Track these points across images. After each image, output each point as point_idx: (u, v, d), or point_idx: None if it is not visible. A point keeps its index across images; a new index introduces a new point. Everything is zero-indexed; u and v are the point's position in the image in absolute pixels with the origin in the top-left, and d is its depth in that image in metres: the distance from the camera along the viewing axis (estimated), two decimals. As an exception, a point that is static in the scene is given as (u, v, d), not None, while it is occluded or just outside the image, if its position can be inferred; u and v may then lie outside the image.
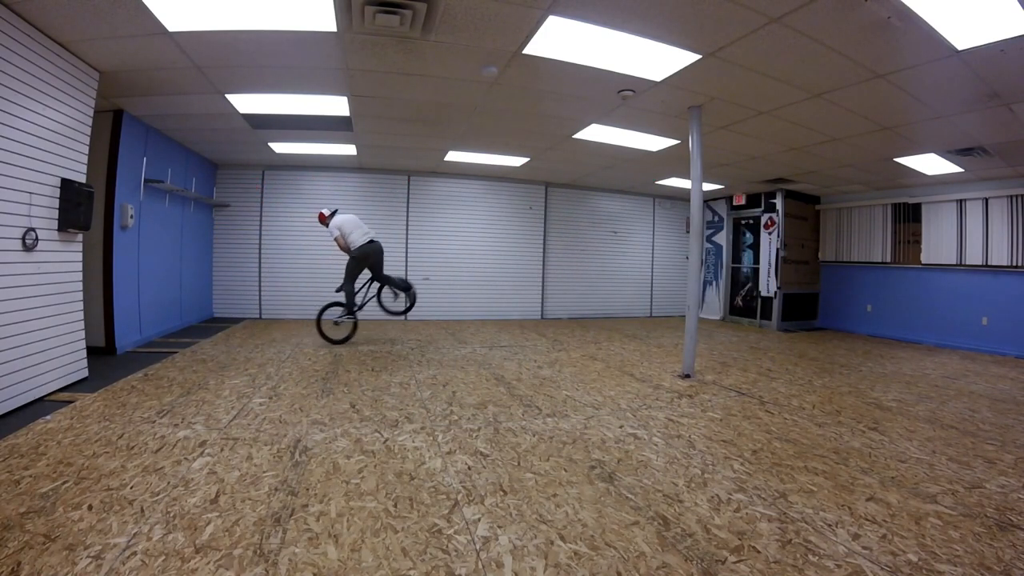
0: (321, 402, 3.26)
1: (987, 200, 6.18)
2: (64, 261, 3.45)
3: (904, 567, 1.60)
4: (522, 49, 3.28)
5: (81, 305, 3.65)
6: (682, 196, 8.99)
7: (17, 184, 2.96)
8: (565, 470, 2.32)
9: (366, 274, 5.48)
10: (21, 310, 3.02)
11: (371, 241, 5.31)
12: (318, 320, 5.33)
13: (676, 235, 9.57)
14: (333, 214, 5.44)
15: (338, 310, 5.41)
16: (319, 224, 5.56)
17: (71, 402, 3.09)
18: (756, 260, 8.45)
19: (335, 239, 5.28)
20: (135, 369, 3.99)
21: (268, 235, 7.41)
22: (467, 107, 4.55)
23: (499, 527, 1.79)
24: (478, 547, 1.66)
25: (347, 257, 5.36)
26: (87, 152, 3.63)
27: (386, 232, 7.78)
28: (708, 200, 9.32)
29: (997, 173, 5.81)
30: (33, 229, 3.10)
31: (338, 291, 5.40)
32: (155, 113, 4.76)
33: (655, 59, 3.37)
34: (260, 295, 7.42)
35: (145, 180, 5.04)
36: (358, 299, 5.46)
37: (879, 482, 2.26)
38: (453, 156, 6.68)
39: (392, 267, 8.02)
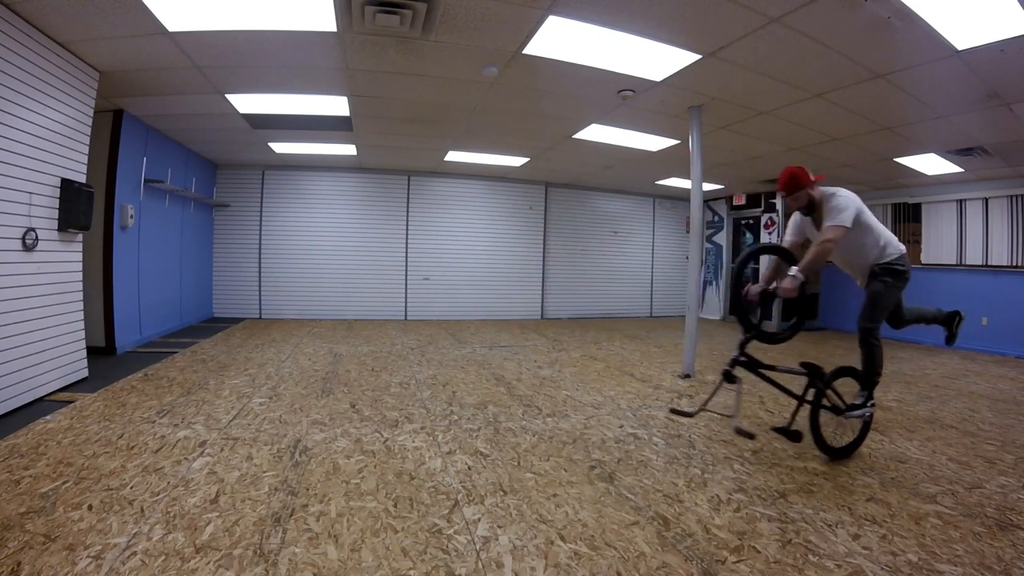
0: (321, 402, 3.26)
1: (987, 200, 6.18)
2: (64, 261, 3.45)
3: (904, 567, 1.60)
4: (522, 49, 3.28)
5: (81, 305, 3.65)
6: (682, 196, 8.99)
7: (17, 184, 2.96)
8: (565, 470, 2.32)
9: None
10: (21, 310, 3.02)
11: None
12: (814, 418, 2.48)
13: (676, 235, 9.56)
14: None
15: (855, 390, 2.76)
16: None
17: (71, 402, 3.09)
18: (756, 260, 8.43)
19: (833, 239, 2.45)
20: (135, 369, 3.99)
21: (268, 235, 7.41)
22: (467, 107, 4.55)
23: (499, 527, 1.79)
24: (478, 547, 1.66)
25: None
26: (87, 152, 3.62)
27: (386, 232, 7.81)
28: (708, 200, 9.31)
29: (997, 173, 5.81)
30: (33, 229, 3.10)
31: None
32: (155, 113, 4.76)
33: (655, 59, 3.37)
34: (260, 295, 7.42)
35: (145, 180, 5.04)
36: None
37: (879, 482, 2.26)
38: (453, 156, 6.68)
39: (392, 267, 8.07)
